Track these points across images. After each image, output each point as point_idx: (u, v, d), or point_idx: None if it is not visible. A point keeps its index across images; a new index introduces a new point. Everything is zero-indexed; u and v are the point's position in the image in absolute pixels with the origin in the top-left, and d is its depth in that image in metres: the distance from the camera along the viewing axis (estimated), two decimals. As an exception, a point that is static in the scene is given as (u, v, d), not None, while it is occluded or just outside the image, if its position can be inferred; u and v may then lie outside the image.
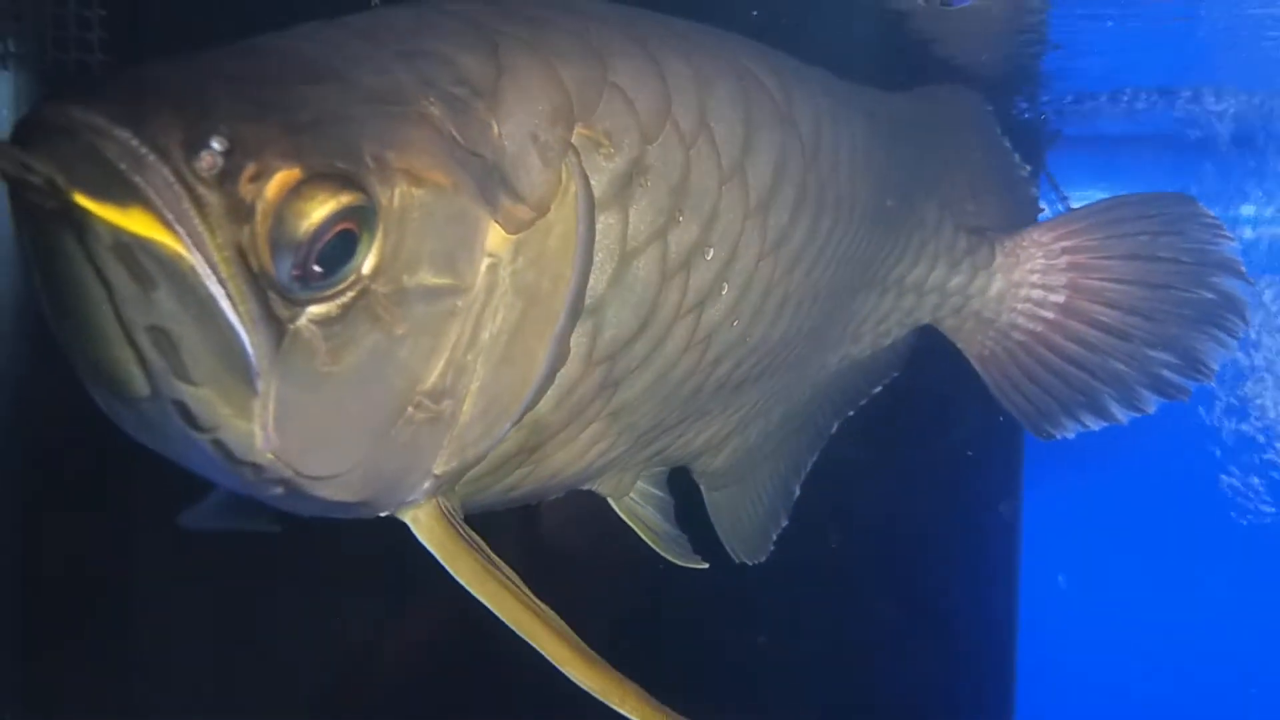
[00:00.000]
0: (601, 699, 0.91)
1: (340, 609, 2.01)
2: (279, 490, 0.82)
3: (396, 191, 0.77)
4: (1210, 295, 1.49)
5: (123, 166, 0.67)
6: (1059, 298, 1.55)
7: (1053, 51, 1.88)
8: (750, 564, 1.53)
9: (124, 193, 0.67)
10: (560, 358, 0.94)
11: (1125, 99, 2.06)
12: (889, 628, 2.21)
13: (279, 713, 2.02)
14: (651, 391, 1.11)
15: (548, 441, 1.03)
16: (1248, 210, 2.18)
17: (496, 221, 0.85)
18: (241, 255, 0.70)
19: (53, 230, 0.69)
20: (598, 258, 0.96)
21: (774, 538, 1.56)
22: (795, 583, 1.87)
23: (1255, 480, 2.21)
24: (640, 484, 1.33)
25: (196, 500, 1.21)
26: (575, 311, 0.93)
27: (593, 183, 0.93)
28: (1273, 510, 2.22)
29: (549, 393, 0.96)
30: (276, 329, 0.73)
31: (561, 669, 0.91)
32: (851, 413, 1.60)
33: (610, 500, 1.31)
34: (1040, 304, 1.55)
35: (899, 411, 1.71)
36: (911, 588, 2.23)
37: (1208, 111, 2.04)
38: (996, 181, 1.64)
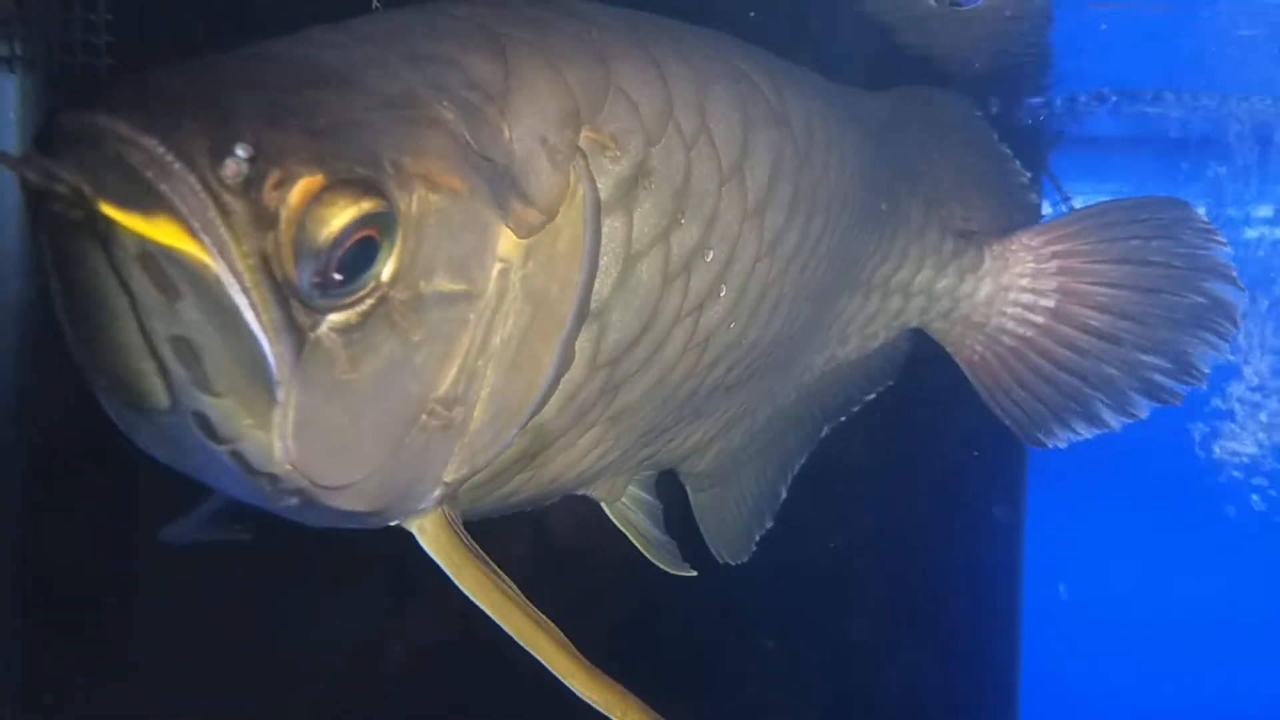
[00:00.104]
0: (604, 712, 0.91)
1: (340, 610, 2.01)
2: (294, 501, 0.81)
3: (415, 197, 0.77)
4: (1201, 299, 1.48)
5: (149, 175, 0.66)
6: (1049, 302, 1.53)
7: (1054, 53, 1.88)
8: (733, 564, 1.52)
9: (150, 202, 0.66)
10: (566, 362, 0.94)
11: (1127, 100, 2.06)
12: (890, 629, 2.21)
13: (279, 713, 2.02)
14: (651, 394, 1.11)
15: (549, 447, 1.03)
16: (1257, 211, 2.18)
17: (508, 226, 0.85)
18: (265, 263, 0.70)
19: (74, 240, 0.68)
20: (603, 261, 0.95)
21: (757, 539, 1.55)
22: (796, 584, 1.87)
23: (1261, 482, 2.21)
24: (631, 489, 1.33)
25: (196, 502, 1.21)
26: (581, 316, 0.93)
27: (599, 186, 0.93)
28: (1274, 514, 2.22)
29: (553, 398, 0.96)
30: (298, 338, 0.73)
31: (564, 681, 0.90)
32: (843, 419, 1.59)
33: (603, 505, 1.30)
34: (1030, 308, 1.53)
35: (901, 413, 1.70)
36: (912, 589, 2.23)
37: (1211, 114, 2.04)
38: (990, 185, 1.62)
